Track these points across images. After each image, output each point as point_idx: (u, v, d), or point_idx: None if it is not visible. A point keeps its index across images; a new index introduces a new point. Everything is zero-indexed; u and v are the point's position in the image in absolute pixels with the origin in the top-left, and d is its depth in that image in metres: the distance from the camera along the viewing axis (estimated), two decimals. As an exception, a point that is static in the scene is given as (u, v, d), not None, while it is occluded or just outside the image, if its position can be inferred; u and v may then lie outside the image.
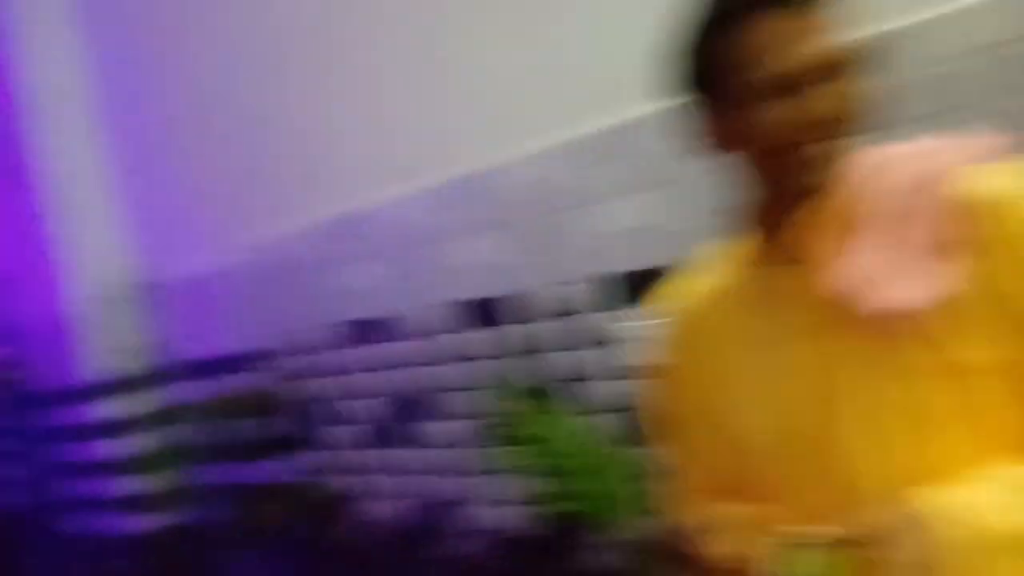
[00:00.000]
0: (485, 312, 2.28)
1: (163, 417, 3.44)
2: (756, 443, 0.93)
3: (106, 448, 3.45)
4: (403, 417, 2.60)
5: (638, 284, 1.94)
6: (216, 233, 3.17)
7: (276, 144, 2.81)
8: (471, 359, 2.35)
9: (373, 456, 2.74)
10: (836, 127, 0.83)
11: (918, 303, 0.79)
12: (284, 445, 3.07)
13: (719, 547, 0.87)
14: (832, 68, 0.82)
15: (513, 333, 2.22)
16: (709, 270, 1.02)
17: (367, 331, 2.65)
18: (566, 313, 2.10)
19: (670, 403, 1.07)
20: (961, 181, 0.82)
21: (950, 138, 0.88)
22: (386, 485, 2.72)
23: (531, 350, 2.18)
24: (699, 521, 0.90)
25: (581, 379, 2.09)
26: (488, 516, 2.42)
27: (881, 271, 0.82)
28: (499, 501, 2.38)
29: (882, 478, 0.83)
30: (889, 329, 0.81)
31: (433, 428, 2.51)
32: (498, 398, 2.26)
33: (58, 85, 3.38)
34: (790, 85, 0.81)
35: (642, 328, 1.92)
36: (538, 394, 2.10)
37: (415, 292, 2.47)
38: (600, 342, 2.04)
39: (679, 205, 1.84)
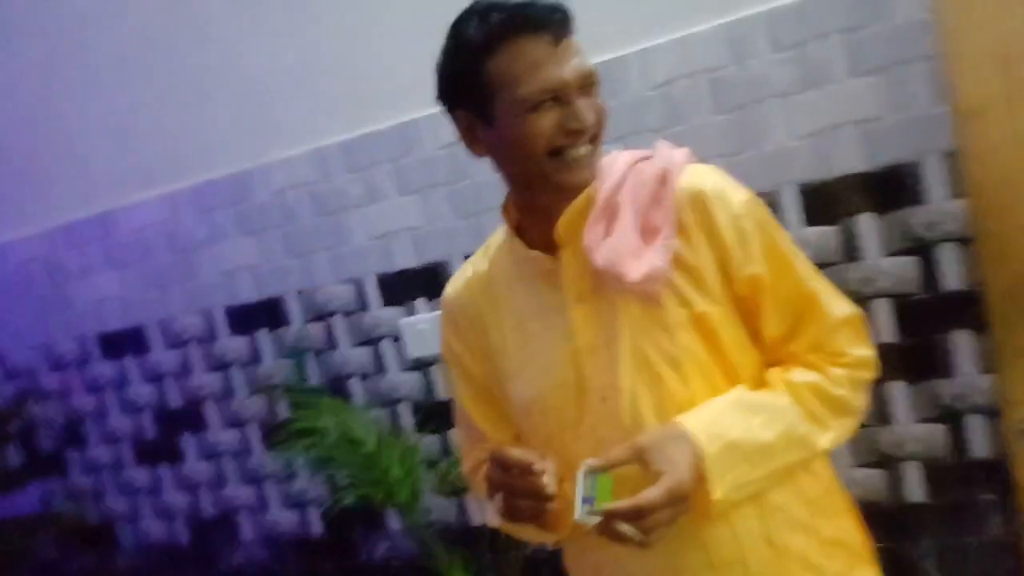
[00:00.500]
0: (262, 314, 2.26)
1: None
2: (543, 399, 1.07)
3: None
4: (170, 431, 2.50)
5: (423, 279, 2.04)
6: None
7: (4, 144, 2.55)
8: (248, 363, 2.32)
9: (139, 475, 2.61)
10: (596, 133, 1.01)
11: (663, 269, 0.99)
12: (32, 471, 2.81)
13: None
14: (589, 84, 1.00)
15: (296, 333, 2.23)
16: (487, 260, 1.15)
17: (121, 343, 2.50)
18: (352, 310, 2.14)
19: (458, 382, 1.19)
20: (687, 176, 1.03)
21: (669, 145, 1.09)
22: (157, 503, 2.60)
23: (318, 348, 2.20)
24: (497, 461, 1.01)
25: (370, 374, 2.16)
26: (275, 520, 2.41)
27: (636, 247, 1.00)
28: (286, 504, 2.38)
29: (658, 411, 1.00)
30: (647, 291, 1.00)
31: (208, 438, 2.45)
32: (282, 398, 2.25)
33: None
34: (559, 97, 0.96)
35: (429, 320, 2.03)
36: (324, 391, 2.13)
37: (174, 299, 2.38)
38: (387, 337, 2.11)
39: (460, 203, 1.96)
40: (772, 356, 1.07)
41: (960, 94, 1.39)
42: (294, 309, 2.22)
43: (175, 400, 2.46)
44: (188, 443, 2.48)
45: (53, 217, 2.52)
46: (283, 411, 2.27)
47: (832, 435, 1.03)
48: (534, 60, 0.96)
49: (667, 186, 1.02)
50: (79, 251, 2.50)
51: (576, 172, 1.00)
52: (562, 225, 1.04)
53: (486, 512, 1.08)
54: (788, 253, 1.05)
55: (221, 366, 2.36)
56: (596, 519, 0.89)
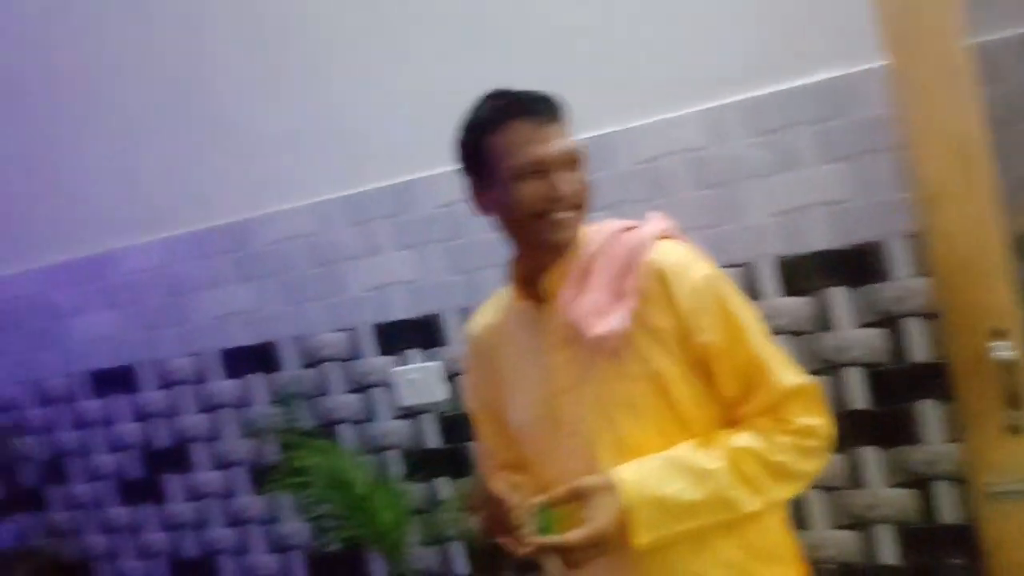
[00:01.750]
0: (255, 358, 2.32)
1: None
2: (527, 428, 1.25)
3: None
4: (154, 470, 2.53)
5: (417, 330, 2.12)
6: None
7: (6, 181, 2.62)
8: (240, 406, 2.38)
9: (120, 513, 2.63)
10: (573, 202, 1.16)
11: (620, 330, 1.13)
12: (12, 505, 2.81)
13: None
14: (571, 161, 1.17)
15: (288, 377, 2.29)
16: (499, 304, 1.34)
17: (112, 380, 2.54)
18: (346, 358, 2.21)
19: (474, 405, 1.40)
20: (655, 251, 1.18)
21: (659, 216, 1.24)
22: (137, 542, 2.61)
23: (310, 393, 2.26)
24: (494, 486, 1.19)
25: (360, 420, 2.22)
26: (257, 563, 2.43)
27: (602, 308, 1.15)
28: (269, 547, 2.41)
29: (614, 451, 1.15)
30: (605, 347, 1.14)
31: (193, 479, 2.48)
32: (271, 441, 2.30)
33: None
34: (541, 170, 1.14)
35: (421, 370, 2.11)
36: (314, 436, 2.18)
37: (167, 341, 2.44)
38: (379, 385, 2.18)
39: (455, 259, 2.05)
40: (727, 415, 1.19)
41: (921, 182, 1.52)
42: (288, 355, 2.29)
43: (162, 440, 2.50)
44: (172, 483, 2.51)
45: (50, 255, 2.58)
46: (271, 454, 2.32)
47: (765, 499, 1.14)
48: (522, 138, 1.14)
49: (637, 258, 1.17)
50: (75, 289, 2.55)
51: (555, 233, 1.16)
52: (547, 282, 1.20)
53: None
54: (743, 325, 1.17)
55: (211, 408, 2.41)
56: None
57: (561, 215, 1.15)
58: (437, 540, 2.15)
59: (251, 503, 2.40)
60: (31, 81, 2.50)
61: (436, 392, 2.11)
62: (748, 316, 1.19)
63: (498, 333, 1.31)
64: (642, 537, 1.09)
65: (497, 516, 1.14)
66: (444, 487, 2.13)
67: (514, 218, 1.17)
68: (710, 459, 1.13)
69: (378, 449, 2.20)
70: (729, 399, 1.18)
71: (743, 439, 1.15)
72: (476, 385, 1.38)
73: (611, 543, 1.08)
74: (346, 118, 2.12)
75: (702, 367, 1.16)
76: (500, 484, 1.17)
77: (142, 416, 2.51)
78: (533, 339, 1.23)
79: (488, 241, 1.98)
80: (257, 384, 2.34)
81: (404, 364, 2.15)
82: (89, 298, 2.53)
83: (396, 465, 2.19)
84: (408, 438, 2.17)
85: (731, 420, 1.19)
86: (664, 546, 1.11)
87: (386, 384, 2.18)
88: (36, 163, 2.55)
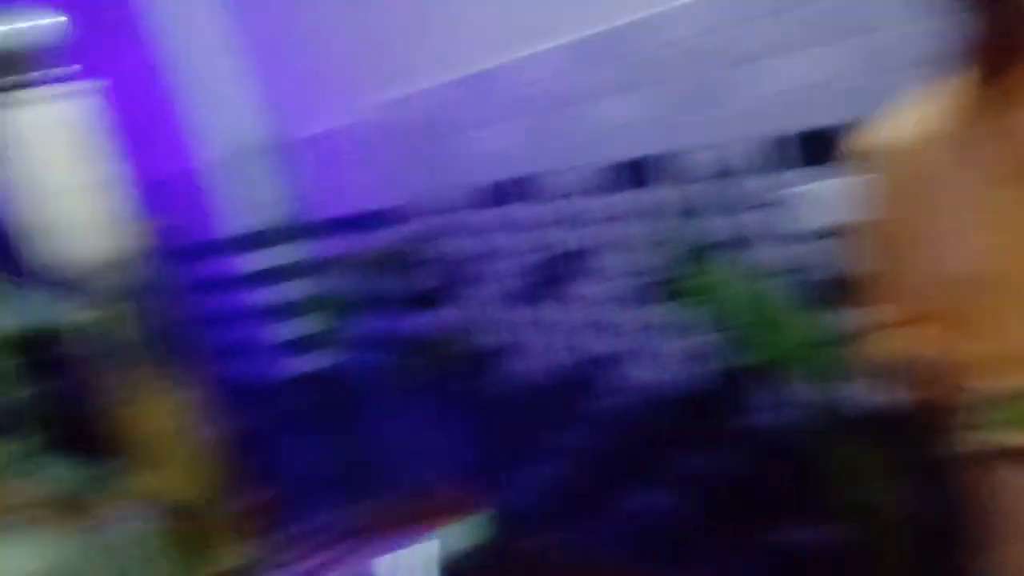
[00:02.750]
0: (638, 173, 2.26)
1: (313, 268, 3.63)
2: (973, 277, 0.93)
3: (259, 296, 3.68)
4: (552, 276, 2.66)
5: (810, 144, 1.86)
6: (349, 91, 3.16)
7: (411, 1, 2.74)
8: (627, 219, 2.36)
9: (522, 313, 2.84)
10: None
11: None
12: (429, 300, 3.21)
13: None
14: None
15: (669, 194, 2.20)
16: (915, 118, 0.99)
17: (509, 191, 2.66)
18: (726, 174, 2.05)
19: (872, 238, 1.07)
20: None
21: None
22: (535, 342, 2.83)
23: (690, 211, 2.17)
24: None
25: (766, 240, 2.07)
26: (648, 373, 2.48)
27: None
28: (660, 358, 2.43)
29: None
30: None
31: (585, 287, 2.57)
32: (661, 256, 2.27)
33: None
34: None
35: (832, 188, 1.88)
36: (703, 253, 2.10)
37: (558, 152, 2.45)
38: (764, 204, 2.00)
39: (856, 60, 1.72)
40: None
41: None
42: (692, 167, 2.16)
43: (569, 246, 2.57)
44: (579, 288, 2.59)
45: (451, 71, 2.68)
46: (679, 267, 2.26)
47: None
48: None
49: None
50: (469, 105, 2.65)
51: None
52: (1017, 80, 0.84)
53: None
54: None
55: (615, 218, 2.40)
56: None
57: None
58: (846, 375, 1.98)
59: (656, 313, 2.38)
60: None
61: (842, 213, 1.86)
62: None
63: (921, 153, 0.98)
64: None
65: (931, 394, 0.90)
66: (845, 317, 1.93)
67: None
68: None
69: (785, 272, 2.03)
70: None
71: None
72: (880, 212, 1.04)
73: None
74: None
75: None
76: (938, 352, 0.91)
77: (549, 223, 2.59)
78: (978, 166, 0.91)
79: (913, 35, 1.59)
80: (661, 197, 2.26)
81: (812, 181, 1.91)
82: (486, 112, 2.62)
83: (805, 289, 2.01)
84: (816, 263, 1.96)
85: None
86: None
87: (791, 203, 1.96)
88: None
